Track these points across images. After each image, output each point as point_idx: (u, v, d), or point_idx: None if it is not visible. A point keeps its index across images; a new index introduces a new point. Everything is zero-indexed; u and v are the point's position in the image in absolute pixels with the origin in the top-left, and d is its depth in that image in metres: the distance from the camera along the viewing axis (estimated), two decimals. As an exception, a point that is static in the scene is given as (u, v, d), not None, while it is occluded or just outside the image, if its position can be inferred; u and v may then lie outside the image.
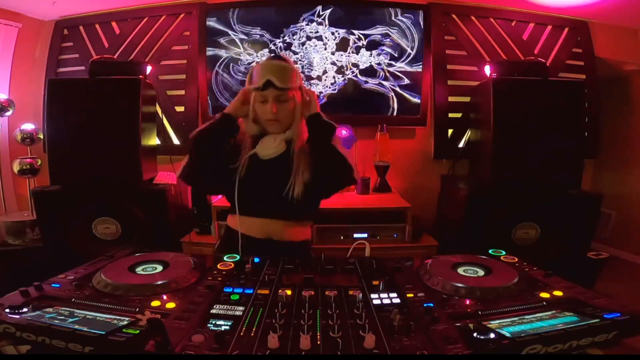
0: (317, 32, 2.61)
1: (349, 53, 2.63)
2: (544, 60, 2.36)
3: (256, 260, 0.97)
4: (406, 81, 2.67)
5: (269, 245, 1.21)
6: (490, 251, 1.04)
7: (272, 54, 1.22)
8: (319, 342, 0.61)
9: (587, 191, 2.27)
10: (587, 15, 2.71)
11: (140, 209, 2.17)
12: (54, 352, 0.61)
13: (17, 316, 0.66)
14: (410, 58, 2.65)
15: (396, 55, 2.65)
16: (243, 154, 1.23)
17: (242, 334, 0.64)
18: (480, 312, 0.70)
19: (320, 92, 2.65)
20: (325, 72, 2.65)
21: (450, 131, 2.77)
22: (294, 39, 2.61)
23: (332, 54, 2.63)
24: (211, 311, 0.72)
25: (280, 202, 1.18)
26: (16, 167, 2.48)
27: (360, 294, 0.77)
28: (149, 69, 2.41)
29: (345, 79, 2.66)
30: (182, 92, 2.75)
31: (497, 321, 0.66)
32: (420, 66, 2.66)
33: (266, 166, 1.20)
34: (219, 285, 0.83)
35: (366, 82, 2.66)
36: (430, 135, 2.78)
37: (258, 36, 2.62)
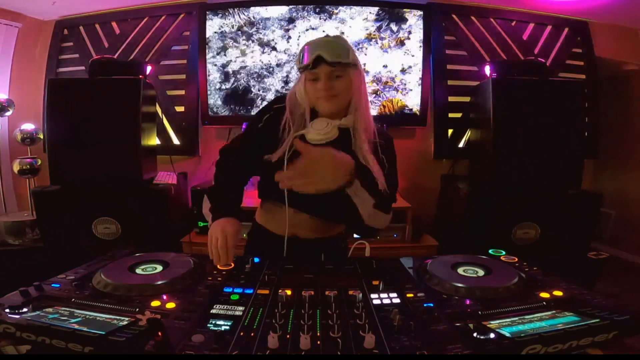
0: (317, 30, 2.62)
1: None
2: (544, 60, 2.37)
3: (256, 260, 0.97)
4: (405, 80, 2.67)
5: (304, 243, 1.13)
6: (490, 251, 1.04)
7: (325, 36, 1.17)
8: (319, 342, 0.61)
9: (587, 191, 2.28)
10: (587, 15, 2.71)
11: (140, 209, 2.17)
12: (54, 352, 0.60)
13: (17, 316, 0.66)
14: (410, 58, 2.65)
15: (396, 54, 2.64)
16: (289, 134, 1.08)
17: (242, 334, 0.63)
18: (480, 312, 0.70)
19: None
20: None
21: (450, 131, 2.77)
22: (293, 38, 2.62)
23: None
24: (211, 311, 0.72)
25: (334, 200, 1.03)
26: (16, 167, 2.48)
27: (360, 294, 0.77)
28: (149, 69, 2.41)
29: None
30: (182, 92, 2.75)
31: (497, 321, 0.66)
32: (420, 66, 2.66)
33: None
34: (219, 285, 0.83)
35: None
36: (430, 135, 2.78)
37: (258, 36, 2.62)
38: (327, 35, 1.14)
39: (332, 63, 1.03)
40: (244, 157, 1.15)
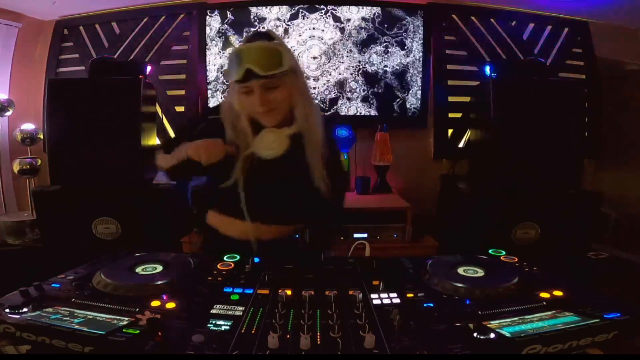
0: (316, 29, 2.62)
1: (349, 52, 2.63)
2: (544, 60, 2.37)
3: (256, 260, 0.97)
4: (406, 81, 2.67)
5: (258, 244, 1.10)
6: (490, 251, 1.04)
7: (253, 33, 1.08)
8: (319, 342, 0.61)
9: (587, 191, 2.28)
10: (587, 15, 2.71)
11: (140, 209, 2.17)
12: (54, 352, 0.61)
13: (17, 316, 0.66)
14: (409, 58, 2.65)
15: (396, 54, 2.64)
16: (240, 151, 1.03)
17: (242, 334, 0.64)
18: (480, 312, 0.70)
19: (319, 91, 2.65)
20: (325, 71, 2.65)
21: (450, 131, 2.77)
22: (293, 37, 2.61)
23: (333, 52, 2.63)
24: (211, 311, 0.72)
25: (288, 207, 1.06)
26: (16, 167, 2.48)
27: (360, 294, 0.77)
28: (149, 69, 2.41)
29: (346, 77, 2.66)
30: (182, 92, 2.75)
31: (497, 321, 0.66)
32: (421, 66, 2.66)
33: (270, 168, 1.03)
34: (219, 285, 0.83)
35: (365, 81, 2.66)
36: (430, 135, 2.78)
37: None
38: (257, 35, 1.03)
39: (264, 77, 0.95)
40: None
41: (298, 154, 1.04)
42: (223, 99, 1.10)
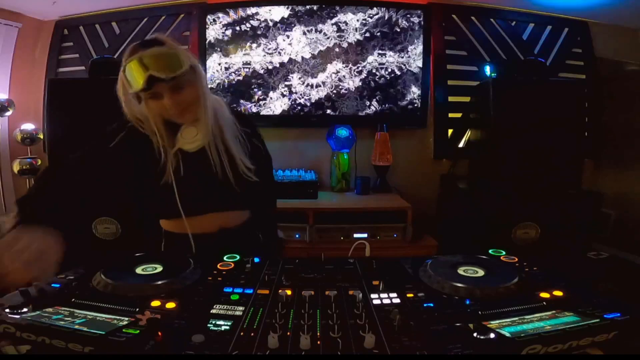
0: (316, 30, 2.61)
1: (349, 52, 2.63)
2: (544, 60, 2.37)
3: (256, 260, 0.97)
4: (406, 81, 2.67)
5: (222, 234, 1.14)
6: (490, 251, 1.04)
7: (140, 42, 1.04)
8: (319, 342, 0.61)
9: (588, 191, 2.28)
10: (587, 15, 2.71)
11: (140, 209, 2.17)
12: (54, 352, 0.61)
13: (17, 316, 0.66)
14: (409, 58, 2.65)
15: (396, 54, 2.64)
16: (165, 154, 1.07)
17: (242, 334, 0.64)
18: (480, 312, 0.70)
19: (319, 88, 2.66)
20: (324, 70, 2.65)
21: (450, 131, 2.77)
22: (294, 38, 2.61)
23: (333, 52, 2.63)
24: (211, 311, 0.72)
25: (228, 193, 1.10)
26: (16, 167, 2.48)
27: (360, 294, 0.77)
28: (148, 69, 2.40)
29: (345, 78, 2.66)
30: (182, 92, 2.74)
31: (497, 321, 0.66)
32: (420, 66, 2.66)
33: (198, 159, 1.07)
34: (219, 285, 0.83)
35: (365, 81, 2.66)
36: (430, 135, 2.78)
37: (259, 36, 2.62)
38: (146, 43, 1.00)
39: (169, 79, 0.96)
40: (88, 179, 1.11)
41: (216, 146, 1.09)
42: (125, 111, 1.06)
